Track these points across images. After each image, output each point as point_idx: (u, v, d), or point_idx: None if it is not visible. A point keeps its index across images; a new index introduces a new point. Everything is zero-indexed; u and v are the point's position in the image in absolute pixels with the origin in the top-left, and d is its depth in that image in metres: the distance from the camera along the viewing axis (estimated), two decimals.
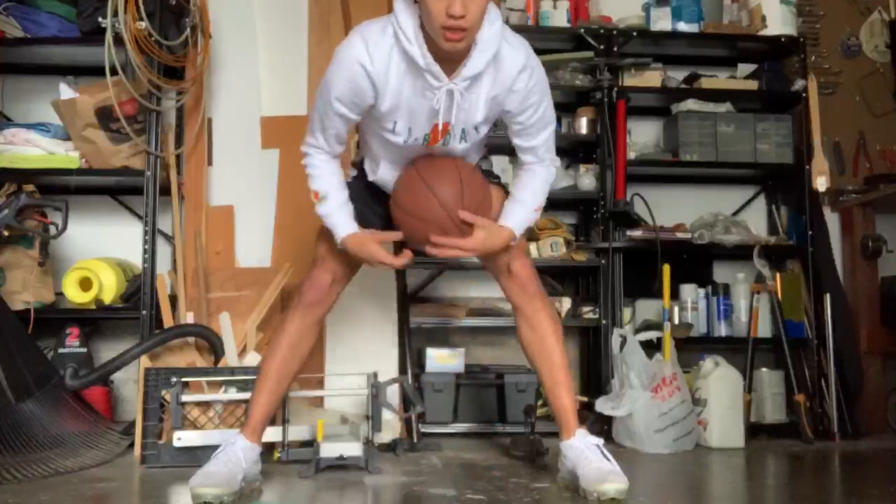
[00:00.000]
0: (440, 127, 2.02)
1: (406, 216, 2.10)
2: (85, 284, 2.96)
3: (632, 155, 3.41)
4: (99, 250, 3.21)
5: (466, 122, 2.05)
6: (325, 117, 2.06)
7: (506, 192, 2.28)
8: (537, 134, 2.15)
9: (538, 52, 3.37)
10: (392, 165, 2.18)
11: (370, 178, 2.25)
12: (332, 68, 2.00)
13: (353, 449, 2.35)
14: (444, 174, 2.07)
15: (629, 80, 3.45)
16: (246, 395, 2.53)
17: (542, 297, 2.23)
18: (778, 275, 3.38)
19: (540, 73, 2.07)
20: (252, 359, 2.72)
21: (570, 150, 3.60)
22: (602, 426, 3.02)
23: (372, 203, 2.25)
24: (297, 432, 2.50)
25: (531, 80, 2.03)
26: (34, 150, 3.03)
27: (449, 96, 1.96)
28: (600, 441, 2.11)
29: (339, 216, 2.14)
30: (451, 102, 1.97)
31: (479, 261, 2.30)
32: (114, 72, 2.80)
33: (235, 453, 2.10)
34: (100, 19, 2.89)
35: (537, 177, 2.21)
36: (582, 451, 2.07)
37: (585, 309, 3.34)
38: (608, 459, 2.06)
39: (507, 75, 2.00)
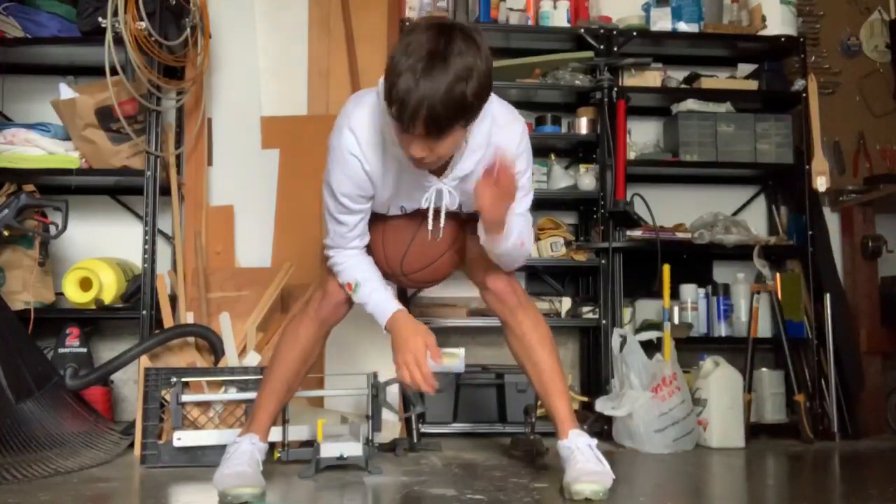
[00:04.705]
0: (430, 216, 2.02)
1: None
2: (85, 284, 2.96)
3: (632, 155, 3.41)
4: (99, 250, 3.21)
5: (460, 202, 2.05)
6: (337, 214, 2.04)
7: None
8: (517, 203, 2.05)
9: (538, 52, 3.42)
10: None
11: None
12: (329, 165, 1.99)
13: (353, 449, 2.35)
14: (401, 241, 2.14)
15: (629, 80, 3.45)
16: (246, 396, 2.54)
17: (525, 308, 2.22)
18: (778, 275, 3.37)
19: (528, 144, 2.05)
20: (252, 359, 2.72)
21: (570, 150, 3.60)
22: (602, 426, 3.03)
23: None
24: (297, 432, 2.50)
25: (523, 153, 2.02)
26: (34, 150, 3.03)
27: (439, 194, 1.98)
28: (593, 441, 2.11)
29: (379, 298, 2.09)
30: (441, 198, 1.99)
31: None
32: (114, 72, 2.80)
33: (253, 454, 2.11)
34: (100, 19, 2.89)
35: (518, 222, 2.06)
36: (572, 451, 2.08)
37: (585, 309, 3.34)
38: (599, 460, 2.06)
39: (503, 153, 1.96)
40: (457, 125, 1.76)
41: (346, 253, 2.12)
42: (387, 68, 1.74)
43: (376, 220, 2.16)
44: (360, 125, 1.93)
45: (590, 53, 3.38)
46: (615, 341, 3.01)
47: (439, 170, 1.96)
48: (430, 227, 2.02)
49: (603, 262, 3.29)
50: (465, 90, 1.69)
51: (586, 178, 3.36)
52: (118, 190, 3.38)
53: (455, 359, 3.20)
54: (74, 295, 2.96)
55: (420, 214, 2.11)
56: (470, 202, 2.03)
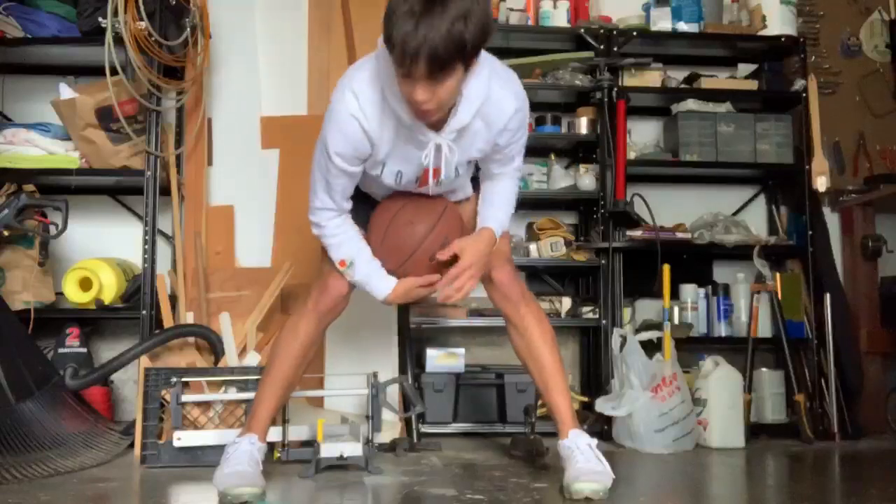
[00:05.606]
0: (431, 174, 2.02)
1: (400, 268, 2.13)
2: (85, 284, 2.96)
3: (632, 155, 3.41)
4: (99, 250, 3.21)
5: (458, 162, 2.04)
6: (328, 175, 2.04)
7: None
8: (514, 159, 2.14)
9: (538, 52, 3.42)
10: (383, 190, 2.19)
11: (362, 189, 2.25)
12: (327, 125, 1.99)
13: (353, 449, 2.35)
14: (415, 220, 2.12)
15: (629, 80, 3.45)
16: (246, 395, 2.54)
17: (528, 303, 2.23)
18: (778, 275, 3.37)
19: (527, 108, 2.07)
20: (252, 359, 2.72)
21: (570, 150, 3.60)
22: (602, 426, 3.03)
23: (362, 199, 2.23)
24: (297, 432, 2.50)
25: (522, 118, 2.04)
26: (34, 150, 3.03)
27: (437, 150, 1.97)
28: (593, 441, 2.12)
29: (373, 278, 2.13)
30: (440, 155, 1.98)
31: None
32: (114, 72, 2.80)
33: (253, 454, 2.12)
34: (100, 19, 2.89)
35: (508, 185, 2.19)
36: (572, 451, 2.08)
37: (585, 309, 3.34)
38: (599, 460, 2.07)
39: (499, 117, 1.99)
40: (457, 66, 1.77)
41: (333, 222, 2.12)
42: (385, 16, 1.77)
43: (378, 225, 2.15)
44: (362, 86, 1.93)
45: (590, 53, 3.38)
46: (615, 341, 3.01)
47: (437, 124, 1.95)
48: (430, 189, 2.04)
49: (603, 262, 3.29)
50: (463, 30, 1.72)
51: (586, 178, 3.36)
52: (118, 190, 3.38)
53: (454, 359, 3.22)
54: (74, 295, 2.96)
55: (423, 222, 2.10)
56: (466, 154, 2.04)
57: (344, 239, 2.13)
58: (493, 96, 1.95)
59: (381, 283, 2.13)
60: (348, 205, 2.13)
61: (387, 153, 2.01)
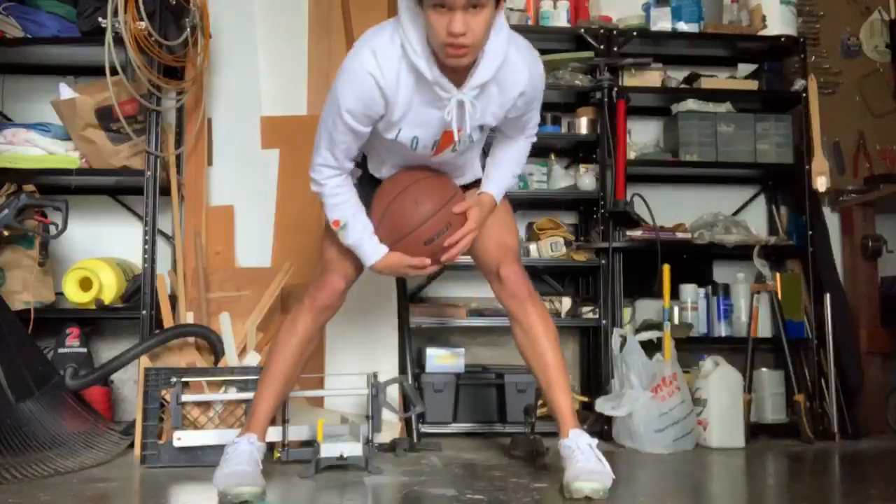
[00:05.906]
0: (455, 133, 2.01)
1: (401, 244, 2.13)
2: (85, 284, 2.96)
3: (632, 155, 3.41)
4: (99, 250, 3.21)
5: (472, 126, 2.04)
6: (334, 132, 2.04)
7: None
8: (529, 123, 2.20)
9: (538, 52, 3.41)
10: (398, 166, 2.19)
11: (374, 174, 2.25)
12: (340, 81, 1.99)
13: (353, 449, 2.35)
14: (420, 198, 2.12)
15: (629, 80, 3.45)
16: (246, 395, 2.54)
17: (534, 301, 2.24)
18: (778, 275, 3.37)
19: (543, 75, 2.11)
20: (252, 359, 2.72)
21: (570, 150, 3.60)
22: (602, 426, 3.03)
23: (371, 183, 2.24)
24: (297, 432, 2.50)
25: (538, 84, 2.08)
26: (34, 150, 3.03)
27: (460, 107, 1.97)
28: (594, 441, 2.12)
29: (364, 242, 2.13)
30: (463, 112, 1.98)
31: (472, 261, 2.32)
32: (114, 72, 2.80)
33: (252, 453, 2.12)
34: (100, 19, 2.89)
35: (520, 147, 2.25)
36: (572, 450, 2.08)
37: (585, 309, 3.34)
38: (599, 459, 2.07)
39: (516, 80, 2.02)
40: None
41: (333, 181, 2.12)
42: None
43: (384, 195, 2.15)
44: (382, 42, 1.95)
45: (590, 53, 3.38)
46: (615, 341, 3.01)
47: (458, 80, 1.95)
48: (445, 156, 2.08)
49: (603, 262, 3.29)
50: None
51: (586, 178, 3.36)
52: (118, 190, 3.38)
53: (454, 359, 3.22)
54: (74, 295, 2.96)
55: (428, 204, 2.09)
56: (484, 118, 2.04)
57: (342, 200, 2.13)
58: (509, 61, 1.98)
59: (372, 250, 2.14)
60: (349, 165, 2.13)
61: (402, 115, 2.00)
